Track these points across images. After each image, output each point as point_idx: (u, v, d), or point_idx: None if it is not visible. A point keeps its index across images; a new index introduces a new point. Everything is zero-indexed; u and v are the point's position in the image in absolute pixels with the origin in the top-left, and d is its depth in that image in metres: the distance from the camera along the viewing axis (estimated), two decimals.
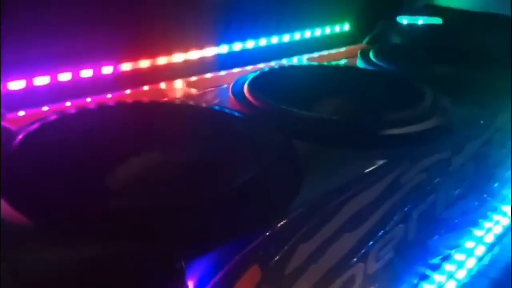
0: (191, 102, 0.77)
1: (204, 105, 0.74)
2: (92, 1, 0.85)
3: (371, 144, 0.70)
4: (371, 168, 0.66)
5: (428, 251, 0.88)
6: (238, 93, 0.82)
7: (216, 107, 0.72)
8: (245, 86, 0.83)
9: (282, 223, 0.53)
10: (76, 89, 0.87)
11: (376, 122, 0.72)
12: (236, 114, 0.70)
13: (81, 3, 0.83)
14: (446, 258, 0.91)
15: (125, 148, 0.61)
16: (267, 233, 0.52)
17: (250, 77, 0.87)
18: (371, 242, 0.68)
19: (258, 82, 0.85)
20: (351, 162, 0.66)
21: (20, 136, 0.58)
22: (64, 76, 0.85)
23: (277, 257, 0.53)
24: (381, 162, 0.67)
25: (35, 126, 0.60)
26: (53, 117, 0.64)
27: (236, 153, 0.60)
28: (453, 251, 0.93)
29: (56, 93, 0.84)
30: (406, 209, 0.73)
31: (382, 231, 0.69)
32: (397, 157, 0.69)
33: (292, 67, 1.04)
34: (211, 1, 1.02)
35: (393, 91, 0.88)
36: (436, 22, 1.40)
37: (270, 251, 0.52)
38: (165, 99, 0.86)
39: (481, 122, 0.85)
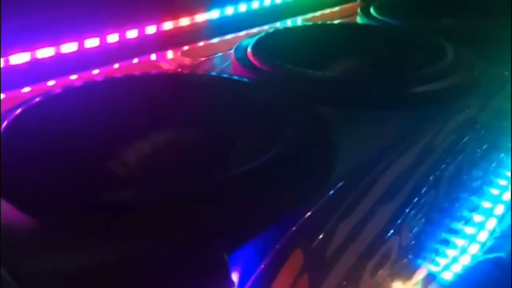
0: (195, 72, 0.69)
1: (211, 73, 0.65)
2: None
3: (400, 104, 0.63)
4: (404, 131, 0.59)
5: (452, 215, 0.83)
6: (242, 59, 0.74)
7: (225, 75, 0.64)
8: (249, 50, 0.75)
9: (321, 201, 0.46)
10: (60, 66, 0.78)
11: (404, 80, 0.65)
12: (249, 81, 0.62)
13: None
14: (468, 222, 0.87)
15: (130, 127, 0.53)
16: (307, 214, 0.45)
17: (253, 40, 0.79)
18: (406, 212, 0.62)
19: (263, 45, 0.77)
20: (381, 126, 0.59)
21: (7, 121, 0.50)
22: (45, 53, 0.76)
23: (318, 239, 0.47)
24: (413, 123, 0.61)
25: (24, 108, 0.51)
26: (41, 97, 0.55)
27: (258, 126, 0.53)
28: (473, 214, 0.88)
29: (37, 71, 0.75)
30: (438, 172, 0.67)
31: (416, 199, 0.63)
32: (428, 117, 0.63)
33: (296, 28, 0.96)
34: None
35: (408, 47, 0.81)
36: None
37: (311, 233, 0.46)
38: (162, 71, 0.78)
39: (506, 73, 0.79)
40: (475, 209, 0.90)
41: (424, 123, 0.62)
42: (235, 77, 0.64)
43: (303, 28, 0.97)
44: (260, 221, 0.41)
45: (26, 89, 0.71)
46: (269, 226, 0.41)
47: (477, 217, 0.89)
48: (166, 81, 0.62)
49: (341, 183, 0.49)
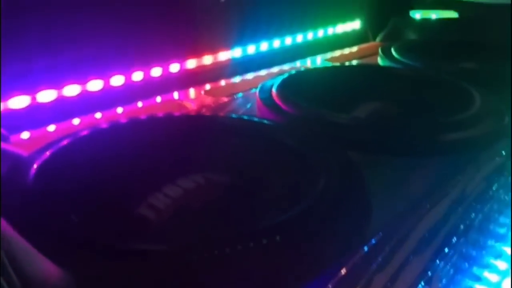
0: (219, 114, 0.68)
1: (236, 116, 0.65)
2: (100, 9, 0.76)
3: (431, 151, 0.62)
4: (437, 179, 0.58)
5: (478, 262, 0.81)
6: (267, 100, 0.73)
7: (255, 119, 0.63)
8: (274, 92, 0.75)
9: (357, 256, 0.45)
10: (85, 103, 0.78)
11: (436, 127, 0.64)
12: (276, 124, 0.61)
13: (88, 10, 0.75)
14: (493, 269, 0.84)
15: (158, 170, 0.52)
16: (342, 271, 0.43)
17: (277, 81, 0.79)
18: (437, 262, 0.60)
19: (287, 86, 0.76)
20: (414, 173, 0.58)
21: (36, 164, 0.49)
22: (71, 90, 0.76)
23: None
24: (445, 171, 0.59)
25: (51, 151, 0.51)
26: (67, 140, 0.54)
27: (289, 172, 0.52)
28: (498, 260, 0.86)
29: (62, 109, 0.75)
30: (468, 221, 0.65)
31: (446, 249, 0.62)
32: (460, 165, 0.61)
33: (319, 69, 0.96)
34: (221, 4, 0.94)
35: (433, 90, 0.80)
36: (451, 16, 1.34)
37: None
38: (188, 111, 0.77)
39: None
40: (499, 256, 0.87)
41: (456, 171, 0.61)
42: (264, 120, 0.63)
43: (327, 69, 0.97)
44: (298, 277, 0.39)
45: (52, 127, 0.71)
46: (308, 282, 0.40)
47: (501, 264, 0.87)
48: (195, 123, 0.61)
49: (378, 235, 0.47)
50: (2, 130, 0.64)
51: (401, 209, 0.52)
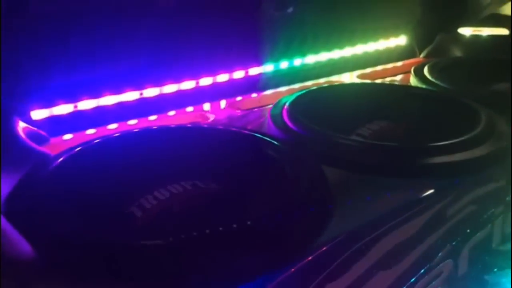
0: (220, 126, 0.76)
1: (231, 128, 0.72)
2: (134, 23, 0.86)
3: (412, 173, 0.64)
4: (409, 200, 0.61)
5: (486, 286, 0.81)
6: (276, 115, 0.79)
7: (246, 132, 0.70)
8: (285, 108, 0.80)
9: (305, 261, 0.50)
10: (120, 112, 0.88)
11: (420, 149, 0.67)
12: (268, 139, 0.67)
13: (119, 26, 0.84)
14: None
15: (152, 177, 0.61)
16: (291, 271, 0.49)
17: (292, 97, 0.84)
18: (413, 279, 0.63)
19: (300, 103, 0.82)
20: (388, 192, 0.61)
21: (54, 164, 0.60)
22: (108, 100, 0.87)
23: None
24: (423, 193, 0.62)
25: (64, 157, 0.61)
26: (80, 147, 0.64)
27: (264, 183, 0.58)
28: None
29: (100, 116, 0.87)
30: (454, 243, 0.67)
31: (425, 268, 0.64)
32: (442, 188, 0.64)
33: (334, 86, 1.00)
34: (256, 20, 1.01)
35: (445, 112, 0.82)
36: (502, 33, 1.30)
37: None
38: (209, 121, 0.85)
39: None
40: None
41: (437, 193, 0.63)
42: (254, 134, 0.69)
43: (341, 87, 1.00)
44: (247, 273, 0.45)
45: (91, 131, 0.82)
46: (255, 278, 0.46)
47: None
48: (189, 133, 0.69)
49: (330, 244, 0.52)
50: (43, 133, 0.76)
51: (362, 223, 0.56)
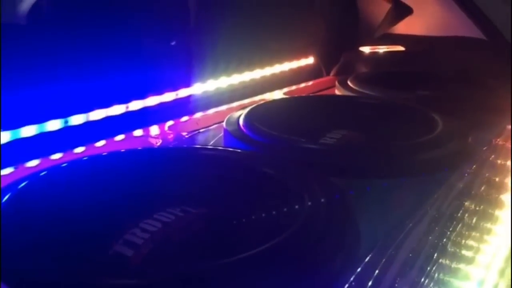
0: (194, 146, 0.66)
1: (213, 147, 0.63)
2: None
3: (407, 171, 0.62)
4: (414, 199, 0.58)
5: None
6: (235, 131, 0.72)
7: (230, 149, 0.62)
8: (242, 123, 0.74)
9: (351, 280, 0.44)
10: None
11: (411, 147, 0.65)
12: (254, 154, 0.60)
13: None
14: None
15: (135, 204, 0.49)
16: None
17: (243, 113, 0.78)
18: (421, 282, 0.60)
19: (254, 118, 0.76)
20: (395, 193, 0.58)
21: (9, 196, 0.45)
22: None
23: None
24: (423, 189, 0.60)
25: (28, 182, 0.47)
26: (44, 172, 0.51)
27: (270, 201, 0.50)
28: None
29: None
30: (444, 239, 0.66)
31: (428, 268, 0.61)
32: (435, 183, 0.62)
33: (282, 100, 0.97)
34: (180, 44, 0.95)
35: (397, 116, 0.82)
36: (397, 49, 1.40)
37: None
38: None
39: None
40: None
41: (433, 189, 0.62)
42: (239, 150, 0.62)
43: (289, 100, 0.98)
44: None
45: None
46: None
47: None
48: (170, 155, 0.59)
49: (368, 258, 0.46)
50: None
51: (386, 229, 0.52)
